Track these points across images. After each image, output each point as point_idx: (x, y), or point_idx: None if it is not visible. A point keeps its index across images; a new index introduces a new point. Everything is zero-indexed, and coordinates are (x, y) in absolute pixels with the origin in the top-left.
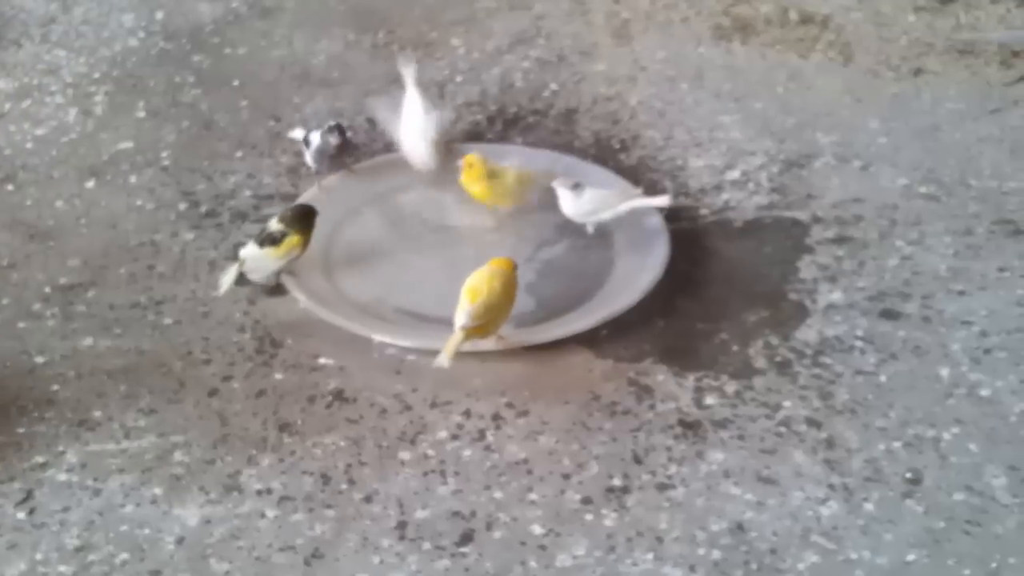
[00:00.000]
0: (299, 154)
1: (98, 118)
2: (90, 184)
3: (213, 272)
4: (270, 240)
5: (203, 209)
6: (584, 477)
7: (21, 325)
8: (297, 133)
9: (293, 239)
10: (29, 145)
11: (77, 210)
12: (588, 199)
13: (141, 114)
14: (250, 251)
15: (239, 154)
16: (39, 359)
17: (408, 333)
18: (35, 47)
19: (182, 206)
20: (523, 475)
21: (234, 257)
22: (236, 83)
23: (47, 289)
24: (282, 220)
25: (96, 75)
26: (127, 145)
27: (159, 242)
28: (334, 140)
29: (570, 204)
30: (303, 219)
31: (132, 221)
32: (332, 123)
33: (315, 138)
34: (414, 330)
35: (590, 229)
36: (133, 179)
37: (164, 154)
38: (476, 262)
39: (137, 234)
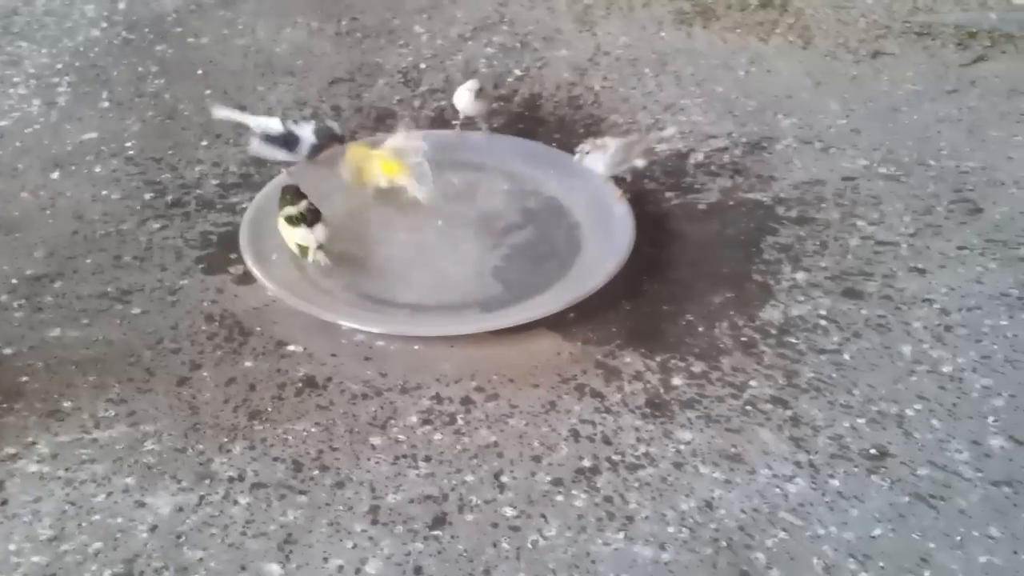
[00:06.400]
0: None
1: (62, 109)
2: (55, 175)
3: (180, 260)
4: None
5: (169, 198)
6: (554, 459)
7: None
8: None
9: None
10: None
11: (42, 201)
12: (614, 151)
13: (105, 104)
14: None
15: (204, 143)
16: (7, 350)
17: (376, 319)
18: None
19: (148, 196)
20: (494, 458)
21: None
22: (200, 72)
23: (13, 280)
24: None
25: (59, 66)
26: (91, 136)
27: (125, 232)
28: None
29: (602, 163)
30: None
31: (98, 211)
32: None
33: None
34: (382, 316)
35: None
36: (98, 169)
37: (129, 144)
38: (443, 248)
39: (103, 224)
